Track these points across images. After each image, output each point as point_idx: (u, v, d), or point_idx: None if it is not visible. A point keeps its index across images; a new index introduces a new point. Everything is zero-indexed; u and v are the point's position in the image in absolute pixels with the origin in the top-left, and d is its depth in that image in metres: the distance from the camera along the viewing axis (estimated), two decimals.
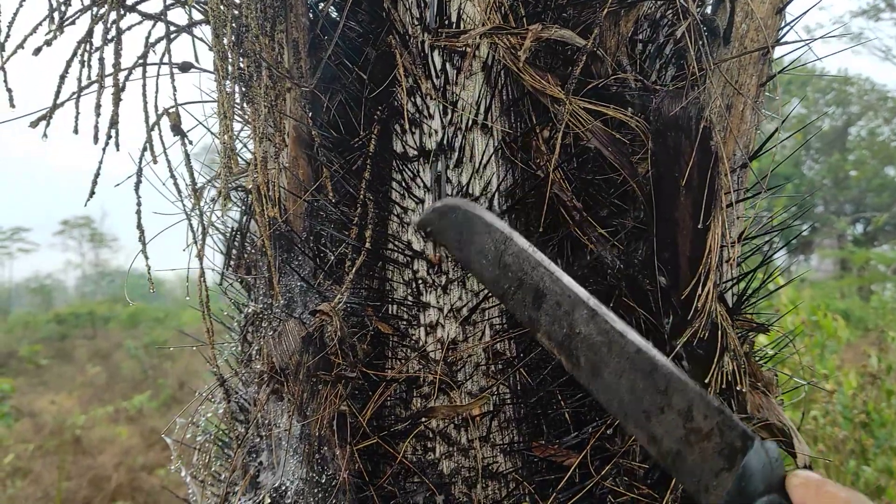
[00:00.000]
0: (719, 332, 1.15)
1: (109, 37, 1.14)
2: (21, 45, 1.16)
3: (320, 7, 1.39)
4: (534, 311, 0.89)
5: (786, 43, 1.30)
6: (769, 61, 1.33)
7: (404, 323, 1.20)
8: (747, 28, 1.30)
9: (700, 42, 1.23)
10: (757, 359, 1.36)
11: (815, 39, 1.28)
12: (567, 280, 0.89)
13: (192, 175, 1.26)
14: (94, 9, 1.16)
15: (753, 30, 1.31)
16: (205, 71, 1.35)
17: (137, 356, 14.40)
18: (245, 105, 1.31)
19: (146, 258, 1.23)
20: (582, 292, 0.86)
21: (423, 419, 1.14)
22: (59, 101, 1.13)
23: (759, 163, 1.42)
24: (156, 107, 1.27)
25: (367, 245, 1.20)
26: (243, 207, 1.47)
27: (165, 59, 1.29)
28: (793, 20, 1.30)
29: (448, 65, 1.19)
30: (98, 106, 1.07)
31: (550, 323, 0.88)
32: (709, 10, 1.35)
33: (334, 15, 1.40)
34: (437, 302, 1.17)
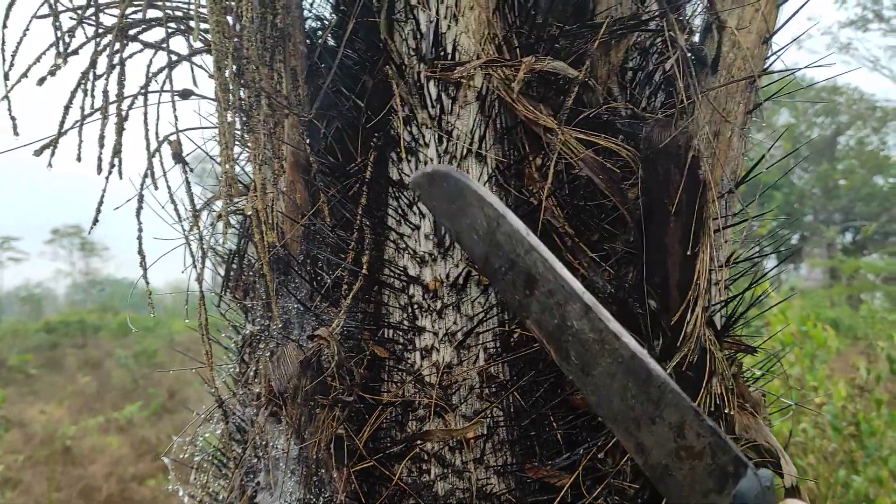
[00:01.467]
0: (708, 356, 1.18)
1: (113, 65, 1.17)
2: (25, 75, 1.19)
3: (318, 34, 1.42)
4: (525, 296, 0.87)
5: (772, 72, 1.33)
6: (756, 89, 1.36)
7: (400, 347, 1.22)
8: (734, 57, 1.34)
9: (689, 71, 1.27)
10: (745, 379, 1.39)
11: (801, 69, 1.32)
12: (561, 269, 0.87)
13: (192, 200, 1.29)
14: (98, 40, 1.19)
15: (740, 59, 1.34)
16: (204, 98, 1.38)
17: (127, 365, 14.37)
18: (245, 134, 1.34)
19: (147, 283, 1.26)
20: (577, 285, 0.84)
21: (419, 442, 1.16)
22: (63, 130, 1.15)
23: (745, 185, 1.46)
24: (157, 134, 1.30)
25: (364, 270, 1.23)
26: (241, 230, 1.49)
27: (166, 87, 1.31)
28: (778, 50, 1.34)
29: (443, 95, 1.22)
30: (102, 137, 1.09)
31: (541, 311, 0.86)
32: (696, 38, 1.39)
33: (331, 42, 1.43)
34: (433, 326, 1.20)
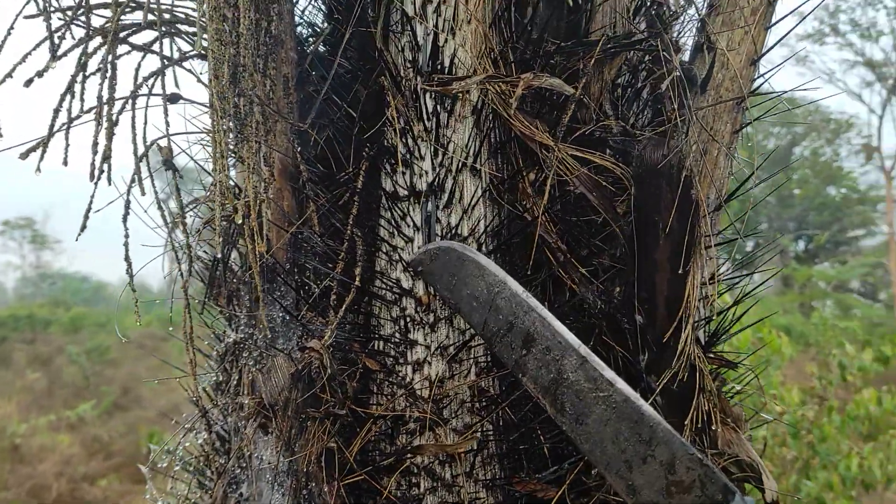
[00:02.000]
0: (697, 374, 1.20)
1: (103, 70, 1.15)
2: (10, 75, 1.15)
3: (309, 41, 1.41)
4: (522, 355, 0.92)
5: (760, 94, 1.36)
6: (743, 109, 1.39)
7: (391, 360, 1.22)
8: (723, 78, 1.36)
9: (682, 91, 1.28)
10: (726, 394, 1.41)
11: (787, 92, 1.35)
12: (559, 326, 0.91)
13: (181, 207, 1.27)
14: (87, 42, 1.16)
15: (728, 79, 1.36)
16: (192, 102, 1.36)
17: (79, 362, 14.06)
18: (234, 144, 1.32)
19: (133, 290, 1.23)
20: (573, 339, 0.88)
21: (410, 456, 1.16)
22: (52, 132, 1.12)
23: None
24: (144, 138, 1.27)
25: (357, 282, 1.22)
26: (226, 237, 1.47)
27: (156, 91, 1.29)
28: (766, 72, 1.36)
29: (440, 107, 1.22)
30: (95, 144, 1.07)
31: (538, 367, 0.91)
32: (686, 57, 1.41)
33: (321, 49, 1.42)
34: (425, 340, 1.20)
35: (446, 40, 1.22)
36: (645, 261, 1.26)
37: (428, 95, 1.22)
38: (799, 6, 1.31)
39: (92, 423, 10.55)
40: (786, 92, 1.34)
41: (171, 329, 1.37)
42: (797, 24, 1.29)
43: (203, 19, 1.03)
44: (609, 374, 0.88)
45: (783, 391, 5.03)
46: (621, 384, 0.87)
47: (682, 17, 1.46)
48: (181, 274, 1.34)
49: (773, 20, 1.39)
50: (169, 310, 1.34)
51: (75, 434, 10.08)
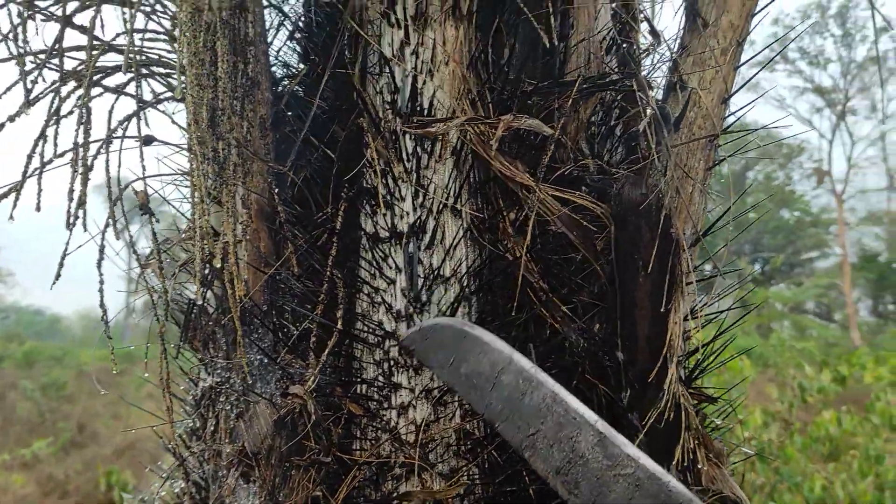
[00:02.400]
0: (682, 412, 1.20)
1: (78, 115, 1.13)
2: None
3: (284, 82, 1.40)
4: (530, 434, 0.87)
5: (732, 131, 1.38)
6: (715, 147, 1.41)
7: (375, 404, 1.20)
8: (695, 116, 1.38)
9: (660, 130, 1.30)
10: (707, 429, 1.42)
11: (759, 129, 1.37)
12: (572, 401, 0.87)
13: (158, 252, 1.24)
14: (61, 86, 1.14)
15: (701, 117, 1.39)
16: (167, 143, 1.34)
17: (34, 398, 13.67)
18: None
19: (109, 338, 1.20)
20: (590, 414, 0.84)
21: (397, 502, 1.14)
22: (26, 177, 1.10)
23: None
24: (118, 180, 1.25)
25: (339, 325, 1.21)
26: (202, 279, 1.45)
27: (130, 133, 1.27)
28: (738, 110, 1.39)
29: (419, 148, 1.22)
30: (71, 190, 1.05)
31: (549, 446, 0.86)
32: (660, 96, 1.43)
33: (297, 89, 1.41)
34: (409, 383, 1.19)
35: (425, 82, 1.23)
36: (626, 299, 1.27)
37: (408, 136, 1.22)
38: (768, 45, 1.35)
39: (47, 462, 10.24)
40: (759, 129, 1.37)
41: (146, 374, 1.34)
42: (766, 64, 1.32)
43: (183, 62, 1.02)
44: (632, 450, 0.83)
45: (746, 414, 5.09)
46: (645, 459, 0.83)
47: (653, 57, 1.49)
48: (157, 318, 1.31)
49: (742, 59, 1.42)
50: (129, 346, 1.31)
51: (30, 473, 9.77)
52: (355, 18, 1.25)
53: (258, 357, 1.34)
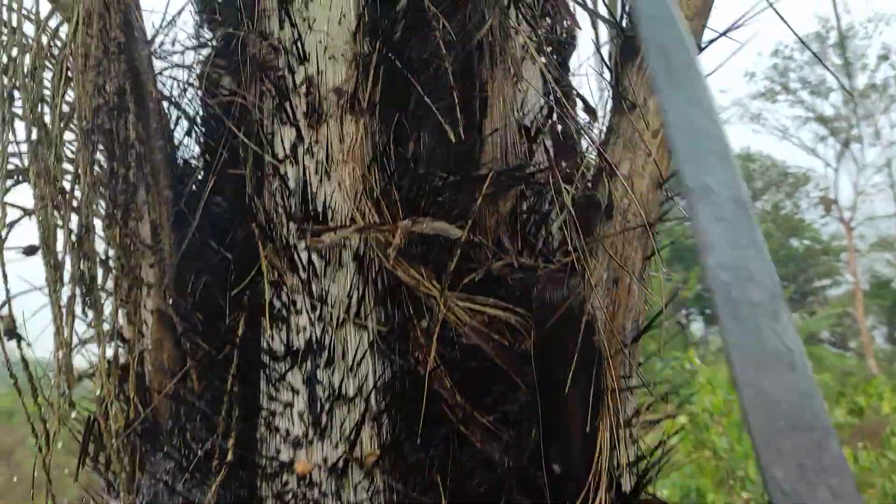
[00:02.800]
0: None
1: None
2: None
3: (183, 181, 1.31)
4: None
5: (668, 220, 1.27)
6: (653, 234, 1.30)
7: None
8: (629, 202, 1.27)
9: (583, 221, 1.19)
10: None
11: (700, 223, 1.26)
12: None
13: (31, 380, 1.13)
14: None
15: (636, 203, 1.28)
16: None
17: None
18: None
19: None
20: None
21: None
22: None
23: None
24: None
25: (230, 456, 1.09)
26: (98, 397, 1.34)
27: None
28: (674, 194, 1.28)
29: (315, 257, 1.11)
30: None
31: None
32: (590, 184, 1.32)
33: (195, 188, 1.31)
34: None
35: (320, 182, 1.12)
36: (555, 408, 1.15)
37: (303, 243, 1.12)
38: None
39: None
40: (681, 220, 1.25)
41: None
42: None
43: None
44: None
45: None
46: None
47: (589, 136, 1.38)
48: (43, 444, 1.20)
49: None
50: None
51: None
52: (245, 115, 1.15)
53: (165, 479, 1.22)
